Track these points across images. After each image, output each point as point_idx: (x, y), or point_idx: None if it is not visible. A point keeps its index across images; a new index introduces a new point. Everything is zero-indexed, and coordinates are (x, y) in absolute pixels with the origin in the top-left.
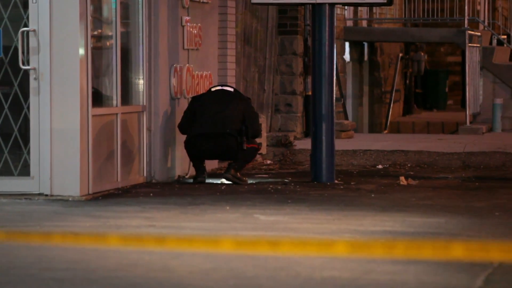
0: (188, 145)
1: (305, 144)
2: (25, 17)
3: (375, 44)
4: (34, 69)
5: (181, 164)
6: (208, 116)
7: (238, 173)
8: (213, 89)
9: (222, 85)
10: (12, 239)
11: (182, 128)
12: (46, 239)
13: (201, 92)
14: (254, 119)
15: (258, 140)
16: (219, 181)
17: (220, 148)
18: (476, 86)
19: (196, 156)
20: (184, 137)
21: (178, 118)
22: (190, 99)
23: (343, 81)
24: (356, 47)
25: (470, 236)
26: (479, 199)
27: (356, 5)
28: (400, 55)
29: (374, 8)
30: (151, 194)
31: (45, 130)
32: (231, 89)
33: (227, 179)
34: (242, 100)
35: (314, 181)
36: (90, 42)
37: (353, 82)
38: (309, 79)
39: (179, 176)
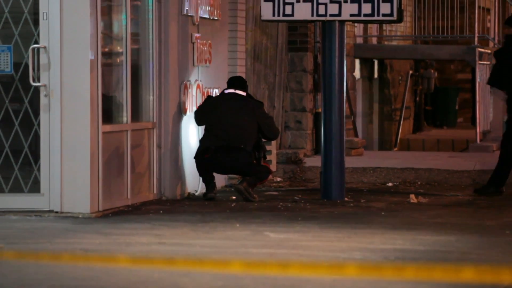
0: (199, 160)
1: (315, 161)
2: (35, 34)
3: (385, 61)
4: (45, 85)
5: (191, 181)
6: (223, 129)
7: (250, 188)
8: (226, 92)
9: (234, 88)
10: (22, 256)
11: (197, 117)
12: (56, 256)
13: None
14: (269, 124)
15: (267, 157)
16: (229, 198)
17: (235, 161)
18: (486, 103)
19: (210, 169)
20: (193, 152)
21: (189, 135)
22: (206, 97)
23: (353, 98)
24: (366, 64)
25: (481, 255)
26: (490, 217)
27: (366, 22)
28: (410, 72)
29: (384, 25)
30: (161, 211)
31: (55, 147)
32: (243, 93)
33: (238, 190)
34: (255, 108)
35: (324, 199)
36: (100, 59)
37: (363, 99)
38: (319, 96)
39: (189, 193)
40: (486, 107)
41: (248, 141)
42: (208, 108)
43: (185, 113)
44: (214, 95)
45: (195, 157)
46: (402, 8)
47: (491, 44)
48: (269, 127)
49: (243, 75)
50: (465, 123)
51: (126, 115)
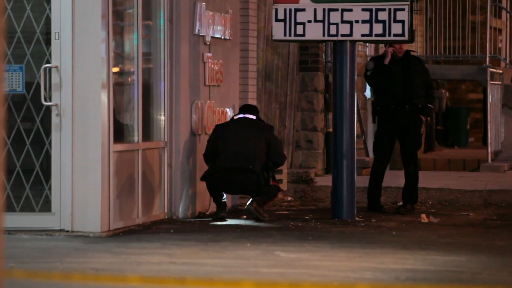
0: (210, 179)
1: (326, 180)
2: (47, 54)
3: None
4: (56, 105)
5: (202, 200)
6: (232, 150)
7: (260, 208)
8: (235, 117)
9: (244, 113)
10: (33, 275)
11: (207, 158)
12: (67, 275)
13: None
14: (278, 147)
15: (278, 177)
16: (239, 218)
17: (244, 182)
18: (497, 123)
19: (221, 190)
20: (204, 171)
21: (199, 155)
22: (214, 127)
23: (364, 118)
24: None
25: (492, 275)
26: (501, 237)
27: (377, 42)
28: None
29: None
30: (172, 231)
31: (66, 166)
32: (253, 117)
33: (249, 211)
34: (264, 129)
35: (335, 218)
36: (112, 78)
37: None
38: (330, 116)
39: (199, 212)
40: (498, 127)
41: (257, 161)
42: (217, 137)
43: (196, 132)
44: (222, 122)
45: (202, 179)
46: (414, 28)
47: (502, 64)
48: (277, 150)
49: (254, 95)
50: (476, 143)
51: (137, 134)
